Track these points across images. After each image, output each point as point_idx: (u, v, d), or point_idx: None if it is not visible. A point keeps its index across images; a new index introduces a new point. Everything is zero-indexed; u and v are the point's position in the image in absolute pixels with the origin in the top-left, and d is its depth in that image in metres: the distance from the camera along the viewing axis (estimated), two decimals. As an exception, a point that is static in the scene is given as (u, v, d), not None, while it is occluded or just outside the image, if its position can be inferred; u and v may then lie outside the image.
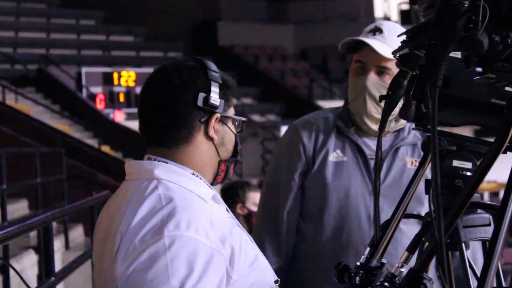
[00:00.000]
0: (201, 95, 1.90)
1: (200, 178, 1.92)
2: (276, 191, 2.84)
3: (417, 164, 2.73)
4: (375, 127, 2.74)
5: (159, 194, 1.84)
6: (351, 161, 2.75)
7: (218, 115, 1.93)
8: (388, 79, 2.72)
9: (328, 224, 2.76)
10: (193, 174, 1.91)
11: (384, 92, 2.73)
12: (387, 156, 2.76)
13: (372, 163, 2.73)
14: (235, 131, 1.99)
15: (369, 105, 2.74)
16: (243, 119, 2.03)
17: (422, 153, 2.75)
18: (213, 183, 1.98)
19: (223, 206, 1.98)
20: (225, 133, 1.96)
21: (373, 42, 2.72)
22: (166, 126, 1.91)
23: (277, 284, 1.96)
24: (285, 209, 2.80)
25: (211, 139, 1.93)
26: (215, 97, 1.91)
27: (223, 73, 1.99)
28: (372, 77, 2.73)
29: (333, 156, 2.75)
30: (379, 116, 2.73)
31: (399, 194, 2.68)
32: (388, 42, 2.71)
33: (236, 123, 2.00)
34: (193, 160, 1.92)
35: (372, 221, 2.67)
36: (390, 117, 2.74)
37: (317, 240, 2.78)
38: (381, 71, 2.73)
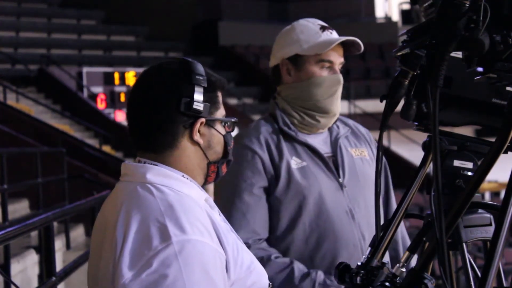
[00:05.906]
0: (184, 100, 1.86)
1: (191, 181, 1.91)
2: (244, 213, 2.65)
3: (360, 154, 2.82)
4: (327, 122, 2.78)
5: (155, 198, 1.82)
6: (311, 165, 2.70)
7: (202, 119, 1.89)
8: None
9: (302, 237, 2.66)
10: (183, 176, 1.89)
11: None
12: (336, 152, 2.76)
13: (328, 160, 2.73)
14: (224, 132, 1.95)
15: (339, 102, 2.77)
16: (233, 119, 1.98)
17: (357, 142, 2.86)
18: (205, 183, 1.97)
19: (216, 209, 1.96)
20: (212, 136, 1.93)
21: (345, 38, 2.75)
22: (150, 132, 1.88)
23: None
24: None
25: (197, 143, 1.91)
26: (198, 102, 1.87)
27: (213, 73, 1.94)
28: (339, 74, 2.78)
29: (294, 163, 2.69)
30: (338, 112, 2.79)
31: (361, 185, 2.76)
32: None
33: (227, 124, 1.96)
34: (180, 163, 1.90)
35: (351, 216, 2.68)
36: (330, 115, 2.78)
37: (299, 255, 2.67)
38: (339, 67, 2.79)
